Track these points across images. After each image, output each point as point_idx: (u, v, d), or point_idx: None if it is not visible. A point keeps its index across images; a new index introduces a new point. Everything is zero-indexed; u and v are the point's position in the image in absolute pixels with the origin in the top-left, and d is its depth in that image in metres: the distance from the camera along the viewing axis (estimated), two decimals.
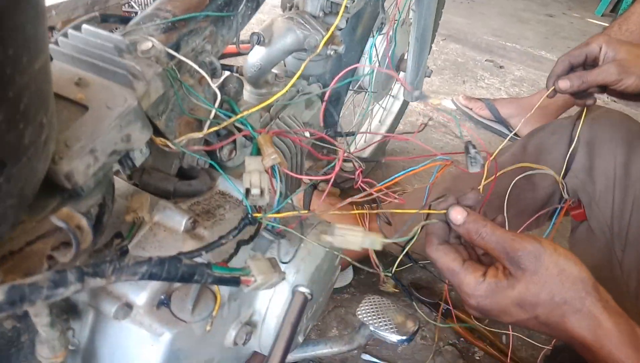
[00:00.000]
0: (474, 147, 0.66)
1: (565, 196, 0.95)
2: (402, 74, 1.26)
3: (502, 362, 1.14)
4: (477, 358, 1.16)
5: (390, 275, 0.91)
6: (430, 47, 1.26)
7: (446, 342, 1.17)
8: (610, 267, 0.91)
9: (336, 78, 0.64)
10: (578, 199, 0.96)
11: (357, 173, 0.65)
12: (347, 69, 0.65)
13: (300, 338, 0.71)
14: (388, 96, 1.43)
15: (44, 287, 0.29)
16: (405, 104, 1.56)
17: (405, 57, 1.23)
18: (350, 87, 1.12)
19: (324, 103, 0.84)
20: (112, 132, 0.39)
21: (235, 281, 0.41)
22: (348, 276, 1.24)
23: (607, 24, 2.42)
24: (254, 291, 0.47)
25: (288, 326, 0.47)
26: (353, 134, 0.95)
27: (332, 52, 0.70)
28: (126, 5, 1.61)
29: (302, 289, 0.48)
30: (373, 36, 1.04)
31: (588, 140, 0.94)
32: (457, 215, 0.55)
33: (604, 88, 0.84)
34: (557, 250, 0.53)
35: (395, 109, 1.54)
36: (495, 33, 2.77)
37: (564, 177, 0.97)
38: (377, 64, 1.13)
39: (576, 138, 0.94)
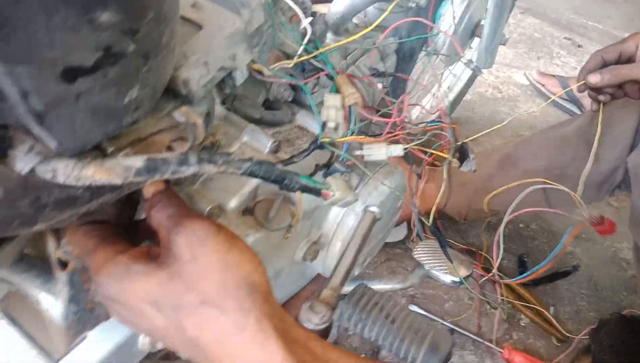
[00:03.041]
0: (472, 151, 0.68)
1: (585, 215, 0.91)
2: (476, 40, 1.26)
3: (547, 331, 1.16)
4: (522, 325, 1.18)
5: (429, 225, 0.94)
6: (507, 18, 1.25)
7: (493, 305, 1.20)
8: None
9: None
10: (601, 216, 0.93)
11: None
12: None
13: (356, 271, 0.77)
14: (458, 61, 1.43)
15: (172, 163, 0.35)
16: (475, 73, 1.55)
17: (482, 23, 1.23)
18: (423, 48, 1.14)
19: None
20: (221, 49, 0.45)
21: (317, 192, 0.46)
22: (402, 232, 1.28)
23: None
24: (327, 209, 0.53)
25: (357, 240, 0.52)
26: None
27: (413, 5, 0.73)
28: None
29: (373, 209, 0.53)
30: None
31: None
32: (150, 188, 0.42)
33: (637, 85, 0.81)
34: (235, 239, 0.40)
35: (465, 77, 1.54)
36: (577, 10, 2.65)
37: (629, 153, 0.96)
38: (452, 27, 1.14)
39: None
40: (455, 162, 0.63)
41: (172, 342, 0.41)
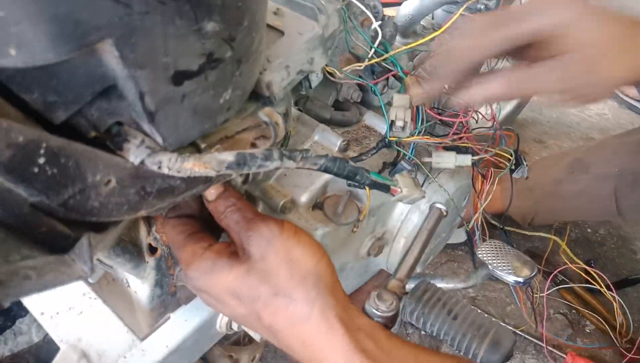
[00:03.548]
0: (525, 158, 0.68)
1: None
2: None
3: (614, 339, 1.13)
4: (588, 331, 1.15)
5: (500, 226, 0.94)
6: None
7: (557, 310, 1.17)
8: None
9: None
10: None
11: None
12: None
13: (418, 269, 0.78)
14: None
15: (259, 158, 0.39)
16: None
17: None
18: None
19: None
20: (301, 53, 0.48)
21: (386, 188, 0.48)
22: (463, 234, 1.28)
23: None
24: (392, 206, 0.55)
25: (423, 234, 0.54)
26: None
27: (482, 7, 0.74)
28: None
29: (439, 205, 0.55)
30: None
31: None
32: (212, 190, 0.46)
33: None
34: (298, 235, 0.44)
35: None
36: None
37: None
38: None
39: None
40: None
41: (252, 326, 0.46)
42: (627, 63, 0.45)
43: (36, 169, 0.30)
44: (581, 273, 1.16)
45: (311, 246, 0.44)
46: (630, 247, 1.33)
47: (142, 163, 0.34)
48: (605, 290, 1.13)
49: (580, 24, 0.44)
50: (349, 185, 0.55)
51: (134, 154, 0.34)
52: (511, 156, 0.67)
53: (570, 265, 1.16)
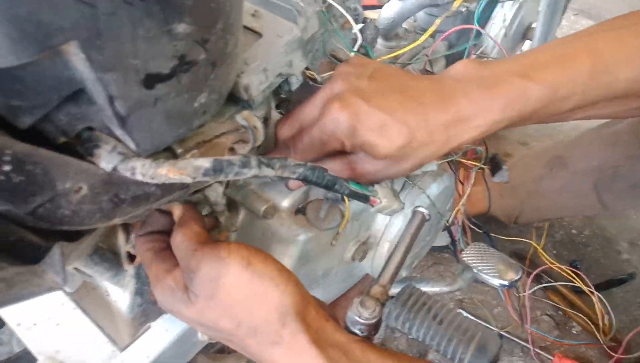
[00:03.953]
0: (504, 162, 0.68)
1: None
2: (527, 43, 1.25)
3: (599, 340, 1.13)
4: (575, 332, 1.16)
5: (484, 229, 0.94)
6: (560, 19, 1.23)
7: (543, 311, 1.18)
8: None
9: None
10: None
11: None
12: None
13: (404, 273, 0.78)
14: None
15: (236, 165, 0.38)
16: None
17: (533, 26, 1.22)
18: (473, 52, 1.14)
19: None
20: (280, 56, 0.47)
21: (365, 198, 0.48)
22: (448, 236, 1.28)
23: None
24: (374, 213, 0.54)
25: (406, 238, 0.53)
26: None
27: (464, 10, 0.74)
28: None
29: (422, 209, 0.55)
30: (502, 1, 1.05)
31: None
32: (176, 210, 0.45)
33: None
34: (251, 265, 0.40)
35: None
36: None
37: None
38: (503, 30, 1.13)
39: None
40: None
41: (229, 345, 0.45)
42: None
43: (1, 177, 0.29)
44: (564, 274, 1.16)
45: (271, 275, 0.41)
46: (615, 248, 1.33)
47: (114, 169, 0.34)
48: (588, 291, 1.13)
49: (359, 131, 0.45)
50: (327, 195, 0.55)
51: (106, 160, 0.33)
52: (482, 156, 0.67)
53: (551, 266, 1.16)
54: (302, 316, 0.40)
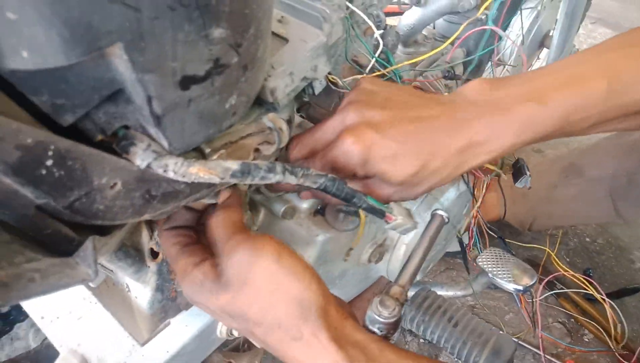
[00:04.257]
0: (528, 168, 0.68)
1: None
2: (545, 50, 1.25)
3: (612, 348, 1.12)
4: (586, 340, 1.15)
5: (498, 234, 0.94)
6: (578, 27, 1.24)
7: (555, 319, 1.17)
8: None
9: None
10: None
11: None
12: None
13: (418, 276, 0.78)
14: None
15: (262, 169, 0.39)
16: None
17: (551, 34, 1.22)
18: (491, 58, 1.15)
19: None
20: (305, 61, 0.48)
21: (381, 213, 0.49)
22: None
23: None
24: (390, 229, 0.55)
25: (425, 240, 0.54)
26: None
27: (483, 17, 0.75)
28: None
29: (441, 212, 0.55)
30: (521, 9, 1.05)
31: None
32: (223, 194, 0.46)
33: None
34: (281, 259, 0.41)
35: None
36: None
37: None
38: (521, 37, 1.13)
39: None
40: (506, 177, 0.64)
41: (249, 338, 0.45)
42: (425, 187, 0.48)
43: (44, 171, 0.30)
44: (577, 281, 1.16)
45: (296, 271, 0.41)
46: (629, 257, 1.33)
47: (148, 166, 0.35)
48: (600, 298, 1.13)
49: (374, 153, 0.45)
50: (342, 208, 0.56)
51: (141, 157, 0.34)
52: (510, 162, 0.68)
53: (563, 272, 1.16)
54: (323, 313, 0.41)
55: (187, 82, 0.33)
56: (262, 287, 0.41)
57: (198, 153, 0.41)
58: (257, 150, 0.45)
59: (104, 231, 0.38)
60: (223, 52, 0.33)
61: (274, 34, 0.49)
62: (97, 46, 0.27)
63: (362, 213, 0.56)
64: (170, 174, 0.35)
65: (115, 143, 0.35)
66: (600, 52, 0.48)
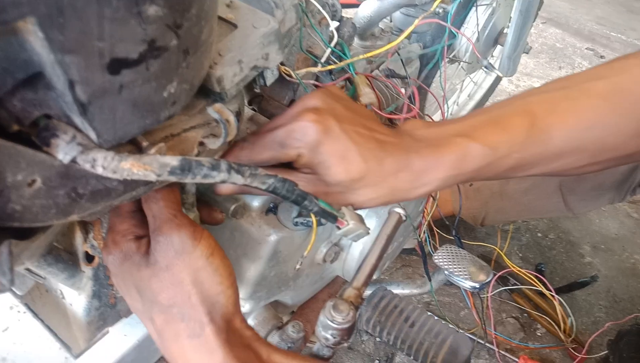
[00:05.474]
0: None
1: None
2: (499, 48, 1.26)
3: (563, 341, 1.15)
4: (539, 334, 1.17)
5: (453, 229, 0.94)
6: (530, 27, 1.25)
7: (509, 314, 1.19)
8: None
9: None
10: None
11: None
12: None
13: (375, 275, 0.76)
14: (480, 69, 1.43)
15: (205, 167, 0.35)
16: (496, 82, 1.55)
17: (505, 31, 1.22)
18: (441, 55, 1.14)
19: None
20: (255, 48, 0.45)
21: (333, 218, 0.46)
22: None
23: None
24: (342, 235, 0.52)
25: (382, 239, 0.52)
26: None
27: (440, 11, 0.73)
28: None
29: (398, 210, 0.53)
30: (476, 5, 1.05)
31: None
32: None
33: None
34: (211, 258, 0.42)
35: (486, 85, 1.53)
36: (599, 21, 2.63)
37: None
38: (476, 34, 1.13)
39: None
40: None
41: (145, 324, 0.45)
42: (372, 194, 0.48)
43: None
44: (526, 277, 1.18)
45: (221, 273, 0.42)
46: (579, 251, 1.36)
47: (73, 161, 0.31)
48: (549, 294, 1.15)
49: (322, 148, 0.45)
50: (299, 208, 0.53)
51: (64, 151, 0.30)
52: None
53: (514, 269, 1.18)
54: (228, 320, 0.42)
55: (117, 65, 0.29)
56: (183, 277, 0.41)
57: (134, 147, 0.37)
58: (201, 144, 0.42)
59: (23, 234, 0.34)
60: (160, 33, 0.30)
61: (221, 19, 0.46)
62: (3, 20, 0.23)
63: (314, 218, 0.52)
64: (99, 170, 0.31)
65: (35, 135, 0.30)
66: (521, 97, 0.53)
